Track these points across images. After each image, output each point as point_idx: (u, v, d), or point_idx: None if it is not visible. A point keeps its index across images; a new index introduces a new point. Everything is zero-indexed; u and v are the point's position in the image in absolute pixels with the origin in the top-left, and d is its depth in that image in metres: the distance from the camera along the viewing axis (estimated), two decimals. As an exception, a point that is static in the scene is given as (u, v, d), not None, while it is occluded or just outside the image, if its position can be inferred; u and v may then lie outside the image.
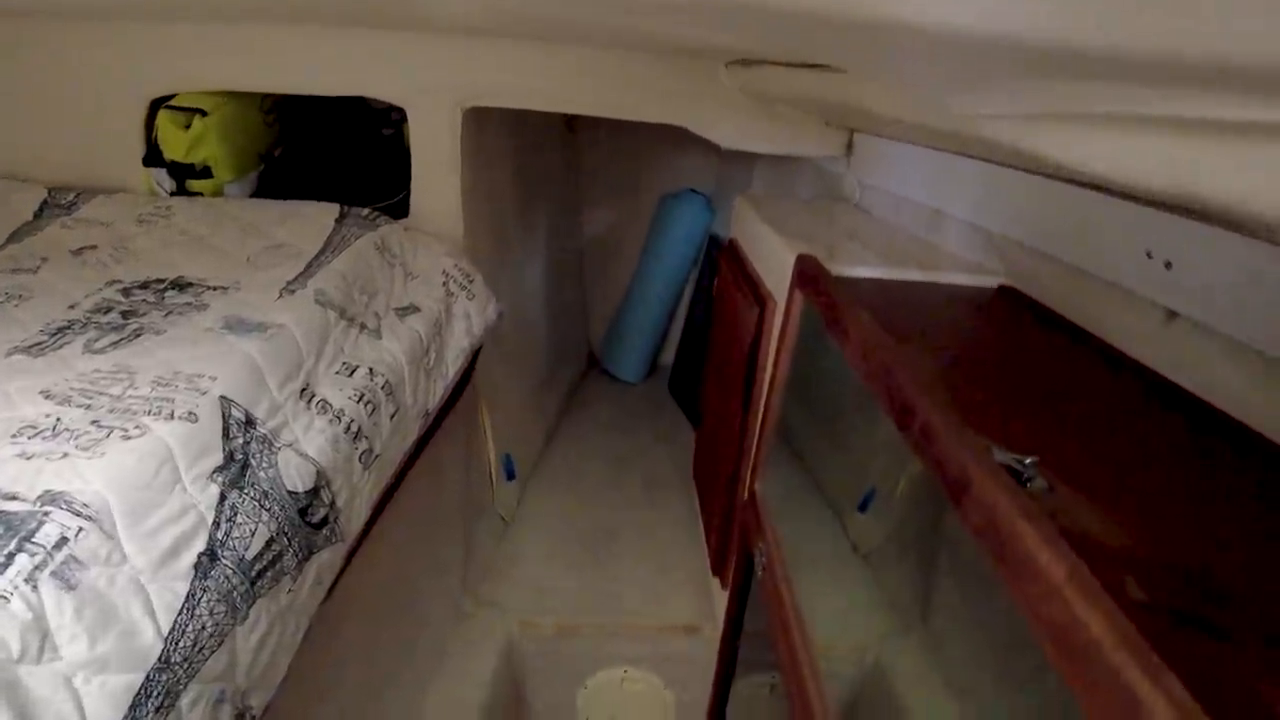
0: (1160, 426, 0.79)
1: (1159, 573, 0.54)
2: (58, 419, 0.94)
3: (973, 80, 0.72)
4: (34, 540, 0.76)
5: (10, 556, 0.74)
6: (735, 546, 1.41)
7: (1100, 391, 0.87)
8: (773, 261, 1.36)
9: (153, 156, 1.85)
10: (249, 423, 1.02)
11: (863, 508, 1.48)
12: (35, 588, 0.73)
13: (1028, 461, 0.63)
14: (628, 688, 1.85)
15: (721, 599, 1.62)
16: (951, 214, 1.38)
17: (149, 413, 0.96)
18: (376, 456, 1.21)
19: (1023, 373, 0.92)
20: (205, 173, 1.82)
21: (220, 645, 0.86)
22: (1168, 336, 0.89)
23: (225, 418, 1.00)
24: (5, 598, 0.71)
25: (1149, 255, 0.89)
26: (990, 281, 1.22)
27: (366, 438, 1.18)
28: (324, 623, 1.11)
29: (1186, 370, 0.85)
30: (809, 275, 1.02)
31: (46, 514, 0.79)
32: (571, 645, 1.82)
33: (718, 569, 1.61)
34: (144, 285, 1.38)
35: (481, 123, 1.95)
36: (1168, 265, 0.87)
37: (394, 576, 1.48)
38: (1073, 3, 0.42)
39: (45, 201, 1.81)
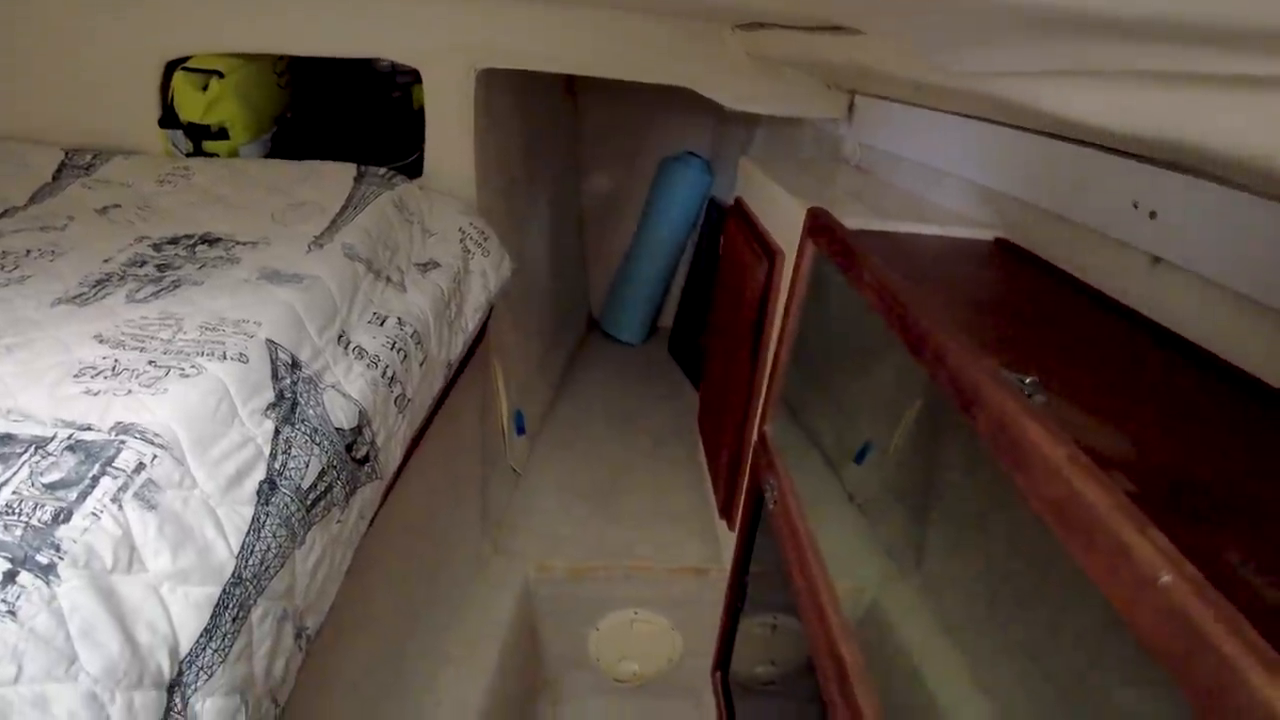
0: (1144, 358, 0.87)
1: (1142, 470, 0.62)
2: (115, 360, 1.00)
3: (983, 38, 0.78)
4: (115, 465, 0.82)
5: (95, 479, 0.80)
6: (744, 487, 1.49)
7: (1090, 329, 0.95)
8: (782, 217, 1.42)
9: (168, 118, 1.88)
10: (294, 365, 1.08)
11: (859, 460, 1.56)
12: (121, 507, 0.79)
13: (1028, 380, 0.71)
14: (638, 629, 1.94)
15: (727, 541, 1.71)
16: (948, 172, 1.45)
17: (201, 354, 1.01)
18: (409, 401, 1.27)
19: (1019, 312, 1.00)
20: (222, 134, 1.86)
21: (283, 566, 0.93)
22: (1152, 280, 0.96)
23: (273, 359, 1.06)
24: (96, 515, 0.77)
25: (1135, 206, 0.96)
26: (987, 235, 1.29)
27: (400, 383, 1.25)
28: (361, 558, 1.18)
29: (1168, 310, 0.93)
30: (821, 225, 1.08)
31: (123, 442, 0.85)
32: (584, 588, 1.91)
33: (725, 511, 1.69)
34: (173, 241, 1.43)
35: (490, 85, 1.99)
36: (1152, 215, 0.94)
37: (421, 520, 1.56)
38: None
39: (63, 163, 1.84)
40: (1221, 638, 0.39)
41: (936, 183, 1.50)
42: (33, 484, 0.78)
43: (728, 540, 1.73)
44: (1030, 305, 1.02)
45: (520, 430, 2.25)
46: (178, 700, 0.78)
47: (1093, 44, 0.67)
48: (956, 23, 0.77)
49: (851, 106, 1.87)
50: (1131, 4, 0.51)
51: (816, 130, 2.13)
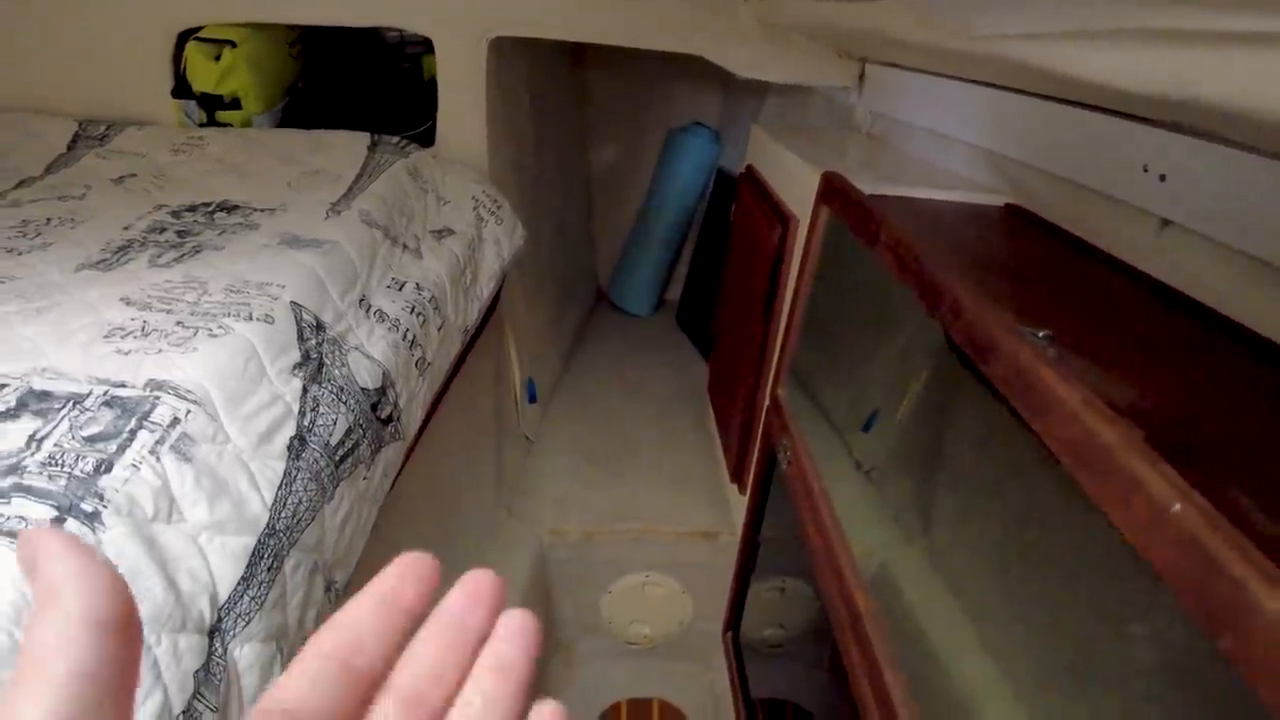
0: (1153, 320, 0.89)
1: (1153, 419, 0.65)
2: (144, 321, 1.02)
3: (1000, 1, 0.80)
4: (151, 419, 0.85)
5: (133, 433, 0.83)
6: (756, 450, 1.52)
7: (1099, 291, 0.96)
8: (794, 183, 1.43)
9: (181, 88, 1.89)
10: (319, 326, 1.11)
11: (866, 428, 1.58)
12: (159, 459, 0.82)
13: (1041, 334, 0.73)
14: (649, 592, 1.97)
15: (738, 505, 1.74)
16: (959, 139, 1.46)
17: (228, 315, 1.04)
18: (429, 364, 1.30)
19: (1029, 275, 1.01)
20: (235, 104, 1.87)
21: (313, 520, 0.96)
22: (1162, 243, 0.98)
23: (298, 321, 1.08)
24: (136, 466, 0.80)
25: (1145, 169, 0.98)
26: (997, 200, 1.30)
27: (420, 346, 1.27)
28: (381, 518, 1.21)
29: (1177, 271, 0.94)
30: (835, 189, 1.10)
31: (157, 398, 0.87)
32: (597, 552, 1.94)
33: (737, 475, 1.72)
34: (191, 209, 1.44)
35: (500, 55, 1.99)
36: (1162, 178, 0.95)
37: (437, 483, 1.59)
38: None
39: (77, 134, 1.85)
40: (1232, 561, 0.41)
41: (947, 150, 1.51)
42: (73, 436, 0.80)
43: (738, 504, 1.76)
44: (1040, 268, 1.04)
45: (532, 398, 2.27)
46: (218, 646, 0.81)
47: (1103, 4, 0.69)
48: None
49: (862, 75, 1.87)
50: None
51: (826, 99, 2.13)
